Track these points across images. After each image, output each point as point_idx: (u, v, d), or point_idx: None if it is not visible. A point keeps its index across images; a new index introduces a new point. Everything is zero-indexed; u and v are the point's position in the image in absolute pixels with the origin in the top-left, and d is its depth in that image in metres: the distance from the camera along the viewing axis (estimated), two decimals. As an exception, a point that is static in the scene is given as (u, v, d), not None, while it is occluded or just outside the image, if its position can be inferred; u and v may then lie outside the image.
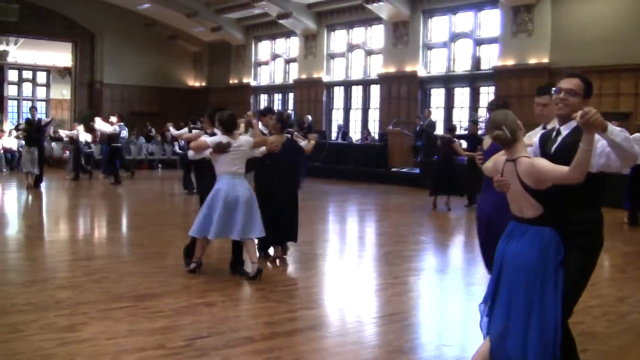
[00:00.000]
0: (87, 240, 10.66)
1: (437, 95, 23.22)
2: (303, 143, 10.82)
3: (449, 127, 16.38)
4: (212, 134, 7.94)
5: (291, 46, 29.06)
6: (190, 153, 7.69)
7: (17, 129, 18.92)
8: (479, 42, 21.75)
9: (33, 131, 17.50)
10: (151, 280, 7.47)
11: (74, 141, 21.11)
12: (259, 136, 8.13)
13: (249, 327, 5.89)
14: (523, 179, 4.00)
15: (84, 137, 22.28)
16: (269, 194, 8.57)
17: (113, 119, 20.40)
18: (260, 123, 9.20)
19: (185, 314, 6.13)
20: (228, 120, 7.60)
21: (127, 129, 21.34)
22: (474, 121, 16.87)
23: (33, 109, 19.15)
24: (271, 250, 9.07)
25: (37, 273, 8.00)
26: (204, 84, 33.28)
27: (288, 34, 28.51)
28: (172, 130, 19.46)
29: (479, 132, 16.36)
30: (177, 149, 26.90)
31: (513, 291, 4.05)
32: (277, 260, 8.85)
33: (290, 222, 8.87)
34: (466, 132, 17.17)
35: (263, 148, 8.09)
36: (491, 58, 21.39)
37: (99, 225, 12.43)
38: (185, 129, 17.96)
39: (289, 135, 9.37)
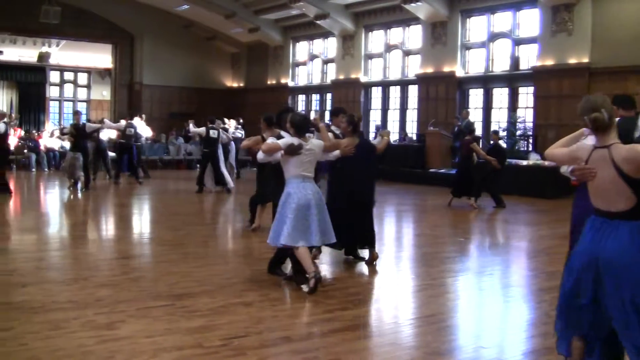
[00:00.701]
0: (126, 239, 10.75)
1: (475, 96, 23.06)
2: (376, 140, 10.85)
3: (469, 128, 16.30)
4: (279, 137, 7.87)
5: (329, 47, 29.06)
6: (260, 155, 7.41)
7: (62, 133, 18.87)
8: (517, 42, 21.54)
9: (79, 137, 17.38)
10: (189, 279, 7.52)
11: (95, 140, 20.83)
12: (328, 140, 7.90)
13: (285, 327, 5.89)
14: (620, 165, 3.82)
15: (147, 132, 22.54)
16: (347, 197, 8.31)
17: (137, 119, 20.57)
18: (331, 124, 9.11)
19: (222, 313, 6.16)
20: (300, 122, 7.37)
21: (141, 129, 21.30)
22: (495, 132, 17.18)
23: (77, 113, 19.04)
24: (364, 253, 8.80)
25: (78, 271, 8.10)
26: (241, 84, 33.43)
27: (326, 34, 28.51)
28: (192, 127, 19.67)
29: (500, 141, 16.76)
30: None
31: (624, 291, 3.89)
32: (375, 263, 8.57)
33: (370, 226, 8.60)
34: (491, 143, 17.10)
35: (337, 152, 7.86)
36: (530, 58, 21.17)
37: (138, 225, 12.54)
38: (203, 128, 18.19)
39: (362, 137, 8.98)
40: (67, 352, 5.02)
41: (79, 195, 16.45)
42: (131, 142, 20.22)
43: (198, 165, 19.60)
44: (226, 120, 21.70)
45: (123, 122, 20.58)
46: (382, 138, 10.84)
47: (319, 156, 7.55)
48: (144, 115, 24.20)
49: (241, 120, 24.51)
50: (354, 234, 8.21)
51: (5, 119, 16.10)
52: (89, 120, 22.06)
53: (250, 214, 11.62)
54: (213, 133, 18.12)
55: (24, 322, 5.70)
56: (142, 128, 22.28)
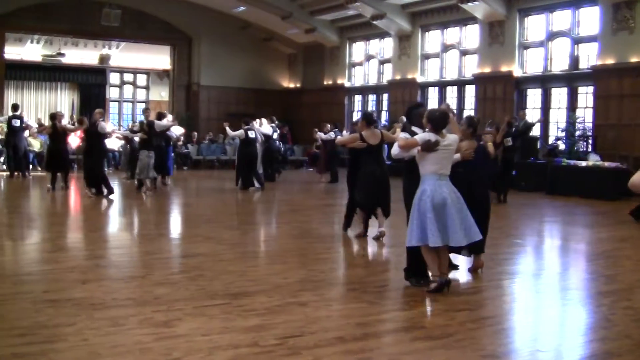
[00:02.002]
0: (183, 238, 10.89)
1: (534, 96, 22.73)
2: (391, 132, 10.86)
3: (496, 125, 16.13)
4: (362, 136, 7.71)
5: (385, 47, 28.97)
6: (396, 151, 7.26)
7: (132, 131, 18.89)
8: (577, 41, 21.18)
9: (151, 135, 17.26)
10: (245, 279, 7.59)
11: (128, 141, 21.08)
12: (399, 138, 7.48)
13: (340, 328, 5.91)
14: None
15: (179, 131, 22.76)
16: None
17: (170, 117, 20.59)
18: (408, 121, 8.70)
19: (278, 312, 6.20)
20: (439, 118, 7.09)
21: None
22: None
23: (147, 110, 19.01)
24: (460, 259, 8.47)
25: (136, 269, 8.26)
26: (298, 85, 33.54)
27: (382, 34, 28.43)
28: (229, 131, 19.84)
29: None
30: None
31: None
32: (480, 271, 8.29)
33: (484, 233, 8.08)
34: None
35: (457, 155, 7.50)
36: (590, 57, 20.78)
37: (196, 224, 12.68)
38: (242, 131, 18.37)
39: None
40: (125, 349, 5.12)
41: (144, 195, 16.63)
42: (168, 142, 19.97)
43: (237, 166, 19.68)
44: (258, 120, 21.83)
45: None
46: (395, 129, 10.96)
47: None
48: (171, 116, 24.19)
49: (274, 118, 24.49)
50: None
51: (102, 119, 16.20)
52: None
53: (345, 219, 11.23)
54: (251, 134, 18.40)
55: (85, 318, 5.83)
56: (174, 128, 22.26)
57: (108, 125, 18.28)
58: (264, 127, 21.16)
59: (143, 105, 37.07)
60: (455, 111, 8.56)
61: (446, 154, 7.09)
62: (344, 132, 21.70)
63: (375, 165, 10.33)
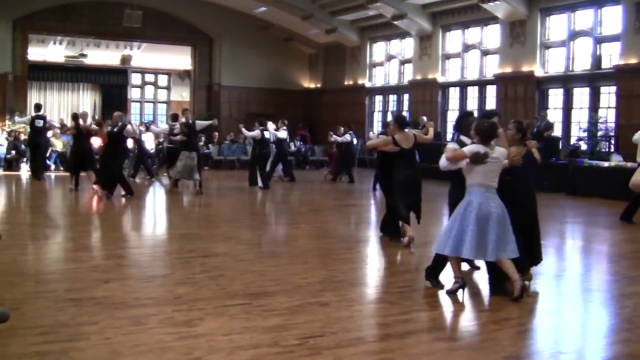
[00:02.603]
0: (204, 237, 10.92)
1: (555, 96, 22.59)
2: (423, 131, 10.70)
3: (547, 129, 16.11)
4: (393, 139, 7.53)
5: (406, 47, 28.91)
6: (444, 163, 7.05)
7: (172, 133, 18.66)
8: (599, 40, 21.03)
9: (191, 135, 17.07)
10: (266, 278, 7.60)
11: (137, 142, 20.90)
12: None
13: (361, 328, 5.91)
14: None
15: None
16: (519, 211, 7.30)
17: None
18: (459, 133, 8.13)
19: (298, 312, 6.21)
20: (488, 129, 6.92)
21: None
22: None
23: (186, 111, 18.70)
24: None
25: (157, 269, 8.30)
26: (319, 85, 33.55)
27: (403, 34, 28.38)
28: (245, 131, 19.91)
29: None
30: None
31: None
32: (528, 283, 7.47)
33: (539, 240, 7.73)
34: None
35: (505, 161, 7.18)
36: (613, 56, 20.64)
37: (217, 224, 12.72)
38: (258, 132, 18.47)
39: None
40: (147, 348, 5.15)
41: (185, 197, 16.61)
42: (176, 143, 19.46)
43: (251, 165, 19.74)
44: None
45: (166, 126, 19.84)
46: (428, 129, 10.78)
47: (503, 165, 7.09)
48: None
49: (285, 122, 24.48)
50: (522, 250, 7.20)
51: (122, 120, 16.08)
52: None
53: (386, 227, 10.67)
54: (267, 134, 18.62)
55: (107, 317, 5.87)
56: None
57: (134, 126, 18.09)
58: (280, 132, 21.26)
59: (164, 106, 37.43)
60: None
61: (494, 167, 6.95)
62: (371, 134, 21.69)
63: (409, 169, 9.96)
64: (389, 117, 27.50)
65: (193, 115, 24.97)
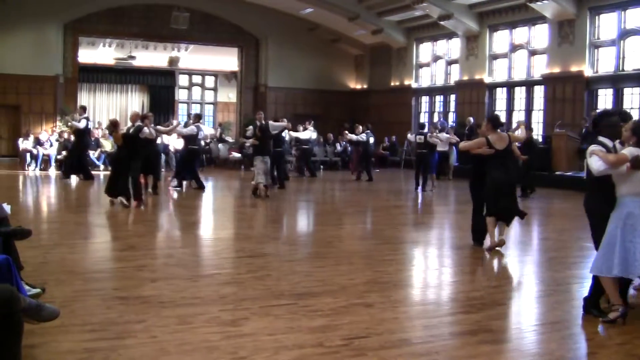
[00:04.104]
0: (251, 238, 10.97)
1: (605, 96, 22.22)
2: (518, 132, 10.53)
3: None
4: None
5: (452, 47, 28.74)
6: (602, 167, 6.15)
7: (245, 137, 18.28)
8: (651, 39, 20.67)
9: (265, 138, 16.53)
10: (311, 279, 7.61)
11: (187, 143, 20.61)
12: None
13: (406, 329, 5.89)
14: None
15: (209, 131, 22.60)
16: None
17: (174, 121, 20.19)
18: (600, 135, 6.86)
19: (343, 313, 6.20)
20: None
21: (203, 130, 19.85)
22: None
23: (260, 113, 18.06)
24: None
25: (204, 269, 8.37)
26: (365, 86, 33.51)
27: (449, 35, 28.22)
28: (292, 133, 20.00)
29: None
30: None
31: None
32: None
33: None
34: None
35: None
36: (665, 56, 20.27)
37: (263, 224, 12.78)
38: (308, 131, 18.52)
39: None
40: (193, 347, 5.19)
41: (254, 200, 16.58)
42: (202, 146, 19.30)
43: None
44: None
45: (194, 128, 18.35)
46: (521, 127, 10.55)
47: None
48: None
49: (312, 122, 24.54)
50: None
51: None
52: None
53: (475, 234, 10.25)
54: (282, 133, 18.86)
55: (153, 316, 5.93)
56: (204, 128, 21.85)
57: (158, 128, 17.45)
58: (304, 132, 21.34)
59: (211, 107, 37.72)
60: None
61: None
62: (409, 135, 21.58)
63: (503, 171, 9.51)
64: (435, 119, 27.39)
65: (240, 116, 25.09)
